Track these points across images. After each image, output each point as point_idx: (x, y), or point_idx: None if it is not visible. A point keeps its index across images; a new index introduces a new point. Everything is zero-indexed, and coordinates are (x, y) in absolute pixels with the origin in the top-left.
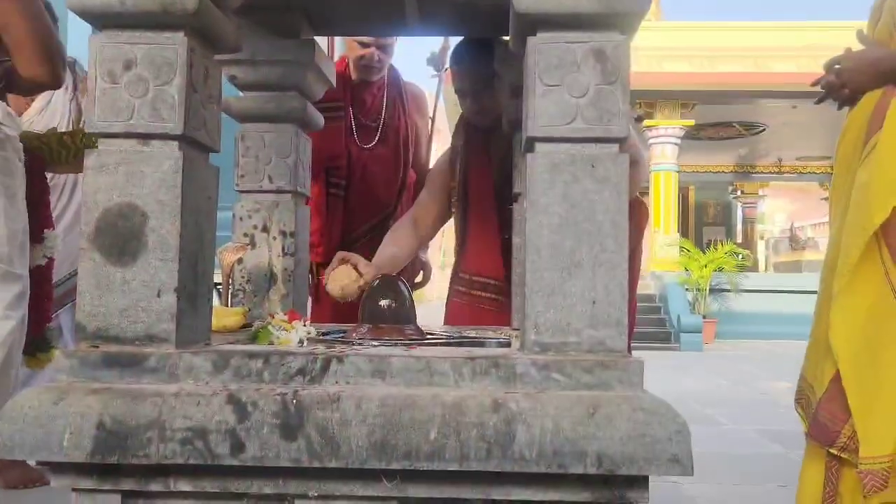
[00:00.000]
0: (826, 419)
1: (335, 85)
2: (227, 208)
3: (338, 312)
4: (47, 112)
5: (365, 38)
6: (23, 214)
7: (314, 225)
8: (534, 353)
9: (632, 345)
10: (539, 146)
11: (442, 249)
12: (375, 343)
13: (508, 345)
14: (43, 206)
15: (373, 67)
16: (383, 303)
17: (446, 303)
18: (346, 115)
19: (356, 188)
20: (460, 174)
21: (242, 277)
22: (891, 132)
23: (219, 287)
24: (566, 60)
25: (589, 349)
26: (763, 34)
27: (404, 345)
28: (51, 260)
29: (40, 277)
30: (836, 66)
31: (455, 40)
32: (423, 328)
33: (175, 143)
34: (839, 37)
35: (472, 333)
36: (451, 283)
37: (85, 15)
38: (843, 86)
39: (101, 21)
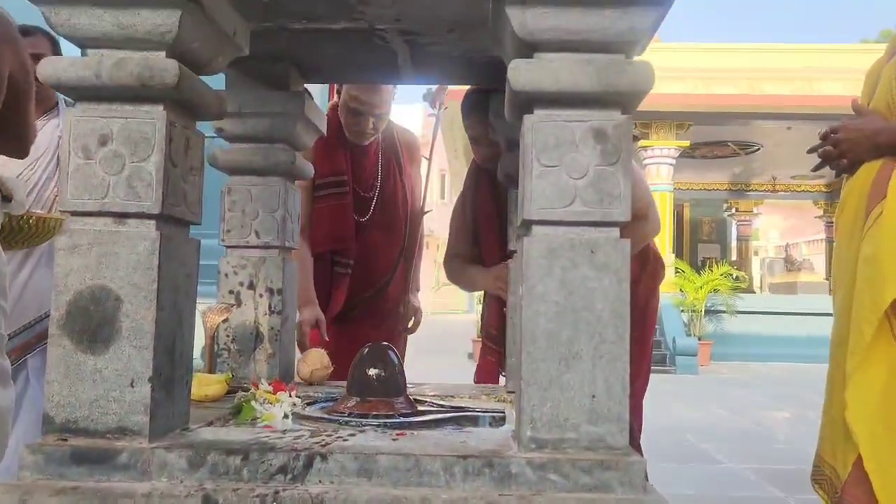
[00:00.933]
0: None
1: (332, 148)
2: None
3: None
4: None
5: (359, 106)
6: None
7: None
8: (530, 451)
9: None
10: (536, 229)
11: (437, 265)
12: (363, 422)
13: (503, 419)
14: None
15: (366, 133)
16: (372, 373)
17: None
18: (349, 191)
19: (359, 263)
20: (471, 222)
21: (227, 336)
22: (895, 205)
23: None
24: (564, 140)
25: (588, 446)
26: (758, 56)
27: (394, 426)
28: None
29: None
30: (834, 136)
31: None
32: (413, 398)
33: (152, 223)
34: (832, 59)
35: (466, 400)
36: (482, 335)
37: (60, 87)
38: (841, 155)
39: (76, 94)
